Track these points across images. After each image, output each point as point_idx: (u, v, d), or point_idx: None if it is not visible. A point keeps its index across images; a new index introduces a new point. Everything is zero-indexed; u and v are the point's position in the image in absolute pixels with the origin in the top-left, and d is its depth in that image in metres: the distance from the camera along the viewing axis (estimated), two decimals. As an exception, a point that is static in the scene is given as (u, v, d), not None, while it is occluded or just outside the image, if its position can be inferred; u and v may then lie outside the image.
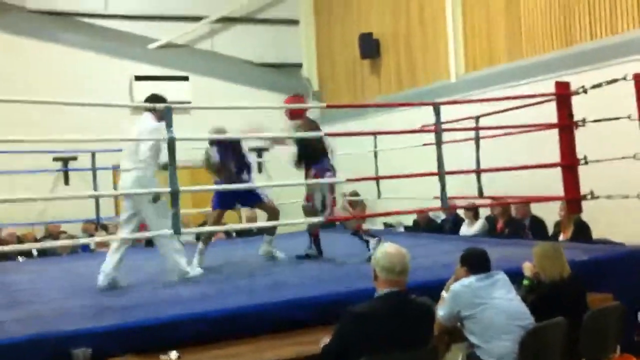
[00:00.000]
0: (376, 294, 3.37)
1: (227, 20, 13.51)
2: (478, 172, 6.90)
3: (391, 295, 3.31)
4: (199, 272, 5.78)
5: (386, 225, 10.38)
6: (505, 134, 7.10)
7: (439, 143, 5.78)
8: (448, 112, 6.21)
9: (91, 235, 9.82)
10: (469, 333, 3.81)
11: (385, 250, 3.40)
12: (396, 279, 3.31)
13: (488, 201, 7.56)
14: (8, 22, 11.54)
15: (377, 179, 8.61)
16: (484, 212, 8.63)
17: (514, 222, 7.67)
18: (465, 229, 8.49)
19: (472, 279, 3.87)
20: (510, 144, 7.45)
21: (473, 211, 8.36)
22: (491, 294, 3.81)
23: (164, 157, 5.14)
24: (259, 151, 11.04)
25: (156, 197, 5.37)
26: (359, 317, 3.26)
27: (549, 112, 6.48)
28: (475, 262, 3.96)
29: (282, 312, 4.20)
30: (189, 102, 11.60)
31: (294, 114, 6.42)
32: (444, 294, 4.08)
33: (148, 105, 5.53)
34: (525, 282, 4.33)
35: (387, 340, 3.22)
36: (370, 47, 12.04)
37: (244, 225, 7.79)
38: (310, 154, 6.24)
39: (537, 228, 7.40)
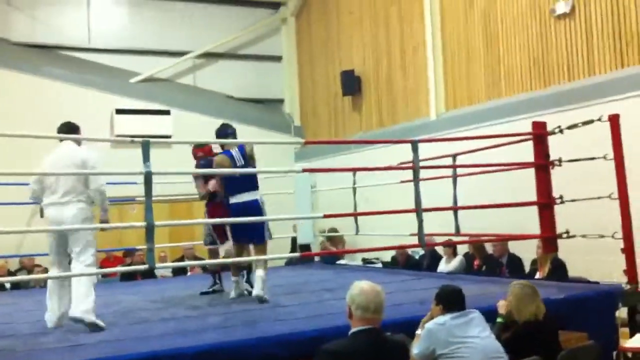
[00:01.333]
0: (350, 331, 3.36)
1: (210, 56, 13.62)
2: (455, 209, 6.95)
3: (366, 333, 3.29)
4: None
5: (365, 261, 10.37)
6: (483, 172, 7.17)
7: (416, 180, 5.82)
8: (428, 150, 6.27)
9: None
10: None
11: (361, 287, 3.37)
12: (371, 317, 3.29)
13: (465, 238, 7.59)
14: (-10, 54, 11.54)
15: (355, 215, 8.61)
16: (462, 249, 8.66)
17: (491, 260, 7.70)
18: (444, 266, 8.50)
19: (447, 317, 3.87)
20: (488, 182, 7.51)
21: (452, 248, 8.39)
22: (466, 332, 3.80)
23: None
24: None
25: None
26: (333, 355, 3.23)
27: (527, 151, 6.57)
28: (451, 300, 3.97)
29: (258, 349, 4.16)
30: (169, 136, 11.61)
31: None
32: (418, 332, 4.07)
33: (127, 139, 5.53)
34: (499, 319, 4.34)
35: None
36: (351, 83, 12.17)
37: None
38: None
39: (514, 266, 7.43)
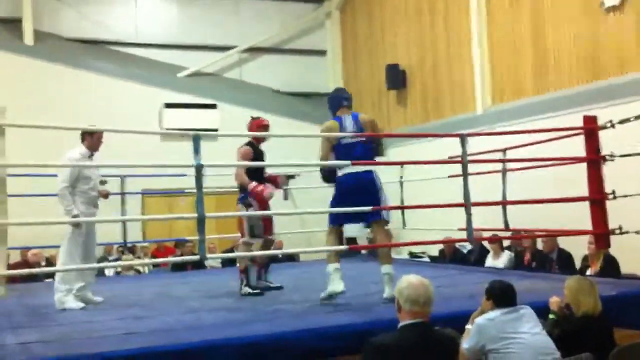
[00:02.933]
0: (399, 325, 3.37)
1: (256, 50, 13.73)
2: (504, 204, 6.88)
3: (415, 327, 3.29)
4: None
5: (412, 254, 10.35)
6: (533, 167, 7.08)
7: (465, 174, 5.78)
8: (474, 144, 6.22)
9: (117, 259, 9.94)
10: None
11: (409, 281, 3.38)
12: (420, 310, 3.30)
13: (510, 234, 7.51)
14: (45, 49, 11.86)
15: (402, 208, 8.60)
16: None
17: (541, 255, 7.60)
18: (491, 261, 8.44)
19: (497, 312, 3.83)
20: (537, 177, 7.42)
21: (499, 243, 8.31)
22: (517, 328, 3.76)
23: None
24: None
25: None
26: (381, 349, 3.24)
27: (575, 147, 6.46)
28: (501, 296, 3.92)
29: (306, 341, 4.21)
30: (216, 130, 11.75)
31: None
32: (468, 326, 4.05)
33: (178, 132, 5.65)
34: (551, 316, 4.30)
35: None
36: (396, 77, 12.14)
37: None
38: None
39: (564, 262, 7.33)
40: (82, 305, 5.72)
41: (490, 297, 3.96)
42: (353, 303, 5.33)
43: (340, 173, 5.49)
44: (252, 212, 6.10)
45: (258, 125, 6.48)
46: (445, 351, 3.36)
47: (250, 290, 6.12)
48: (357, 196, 5.38)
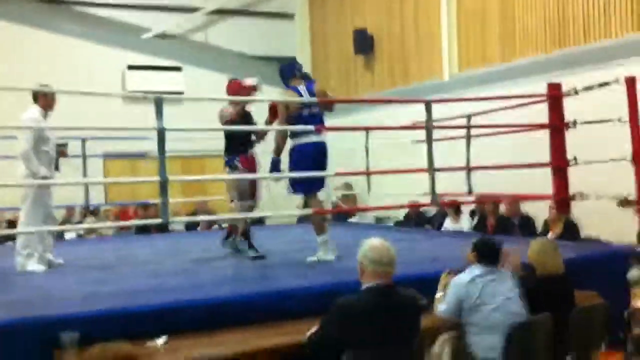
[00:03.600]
0: (362, 287, 3.40)
1: (222, 12, 13.49)
2: (468, 169, 6.94)
3: (378, 289, 3.34)
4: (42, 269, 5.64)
5: (377, 219, 10.43)
6: (496, 134, 7.14)
7: (429, 140, 5.81)
8: (440, 111, 6.24)
9: (79, 222, 9.83)
10: (465, 323, 3.82)
11: (371, 244, 3.43)
12: (383, 270, 3.34)
13: (473, 198, 7.59)
14: (6, 9, 11.52)
15: (367, 173, 8.63)
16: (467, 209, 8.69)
17: (503, 220, 7.72)
18: (450, 224, 8.54)
19: (476, 271, 3.87)
20: (501, 143, 7.49)
21: (455, 207, 8.42)
22: (494, 289, 3.81)
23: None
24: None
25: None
26: (344, 308, 3.29)
27: (540, 114, 6.52)
28: (486, 251, 3.94)
29: (271, 302, 4.22)
30: (181, 93, 11.60)
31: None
32: (439, 294, 4.08)
33: (140, 95, 5.55)
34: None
35: (373, 333, 3.25)
36: (364, 42, 12.07)
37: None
38: (227, 145, 6.08)
39: (526, 226, 7.44)
40: (43, 268, 5.65)
41: (476, 250, 3.98)
42: (316, 266, 5.37)
43: (302, 141, 5.51)
44: (236, 175, 5.98)
45: (238, 85, 6.16)
46: (409, 311, 3.42)
47: (255, 254, 5.92)
48: (319, 165, 5.53)
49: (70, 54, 11.62)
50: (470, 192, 7.01)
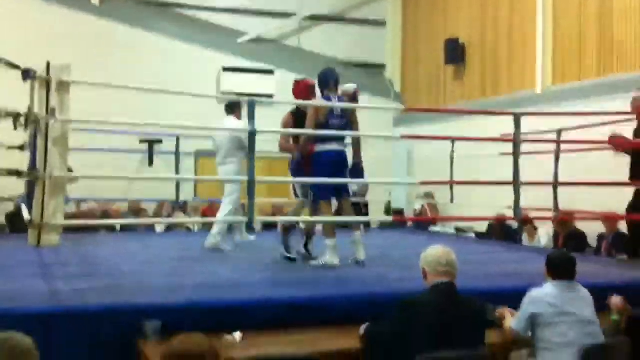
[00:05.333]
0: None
1: (316, 18, 13.69)
2: (555, 184, 6.80)
3: (443, 285, 3.45)
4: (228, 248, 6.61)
5: (458, 230, 10.33)
6: (588, 150, 6.96)
7: (516, 153, 5.74)
8: (530, 123, 6.15)
9: (169, 216, 10.23)
10: (537, 340, 3.75)
11: (431, 249, 3.60)
12: (444, 270, 3.46)
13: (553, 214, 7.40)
14: (108, 8, 12.10)
15: (451, 183, 8.58)
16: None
17: (577, 237, 7.53)
18: (527, 241, 8.39)
19: (553, 286, 3.78)
20: (592, 160, 7.28)
21: (532, 224, 8.26)
22: (570, 305, 3.72)
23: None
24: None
25: None
26: (408, 305, 3.40)
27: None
28: (560, 267, 3.84)
29: (347, 306, 4.29)
30: (272, 96, 11.87)
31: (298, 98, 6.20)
32: (507, 312, 4.02)
33: (234, 98, 5.81)
34: (614, 317, 4.22)
35: (437, 329, 3.30)
36: (455, 52, 11.96)
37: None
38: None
39: (619, 244, 7.21)
40: (229, 248, 6.65)
41: (549, 268, 3.88)
42: (393, 272, 5.40)
43: (326, 148, 5.71)
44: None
45: (306, 85, 6.25)
46: (473, 314, 3.46)
47: (287, 254, 6.09)
48: (340, 172, 5.75)
49: (169, 54, 12.06)
50: (556, 208, 6.86)
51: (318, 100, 5.89)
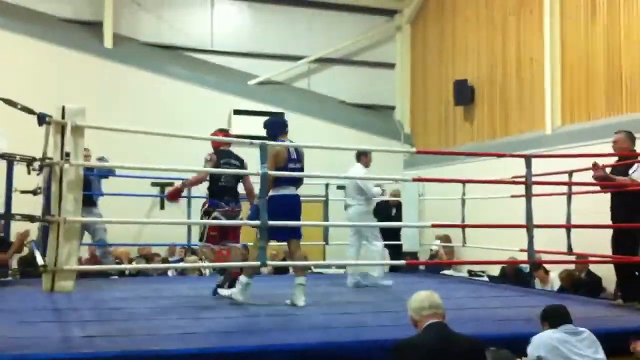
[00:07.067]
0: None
1: (325, 61, 13.86)
2: (568, 227, 6.75)
3: (434, 325, 3.46)
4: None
5: (470, 273, 10.24)
6: (600, 191, 6.92)
7: (528, 196, 5.73)
8: (542, 165, 6.14)
9: (180, 260, 10.21)
10: None
11: (414, 296, 3.64)
12: (429, 313, 3.49)
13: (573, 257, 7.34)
14: (121, 52, 12.29)
15: (463, 226, 8.54)
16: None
17: (588, 282, 7.45)
18: (538, 284, 8.33)
19: (558, 330, 3.82)
20: (605, 201, 7.23)
21: (543, 269, 8.20)
22: (578, 349, 3.72)
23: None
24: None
25: None
26: (403, 345, 3.41)
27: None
28: (555, 316, 3.95)
29: (362, 352, 4.26)
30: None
31: (215, 147, 6.55)
32: None
33: (245, 141, 5.88)
34: None
35: None
36: (464, 93, 12.05)
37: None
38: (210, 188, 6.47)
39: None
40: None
41: (545, 320, 3.99)
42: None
43: (281, 192, 5.94)
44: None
45: (224, 135, 6.75)
46: (467, 350, 3.45)
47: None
48: (294, 215, 5.97)
49: (180, 97, 12.20)
50: (570, 251, 6.80)
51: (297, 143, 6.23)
